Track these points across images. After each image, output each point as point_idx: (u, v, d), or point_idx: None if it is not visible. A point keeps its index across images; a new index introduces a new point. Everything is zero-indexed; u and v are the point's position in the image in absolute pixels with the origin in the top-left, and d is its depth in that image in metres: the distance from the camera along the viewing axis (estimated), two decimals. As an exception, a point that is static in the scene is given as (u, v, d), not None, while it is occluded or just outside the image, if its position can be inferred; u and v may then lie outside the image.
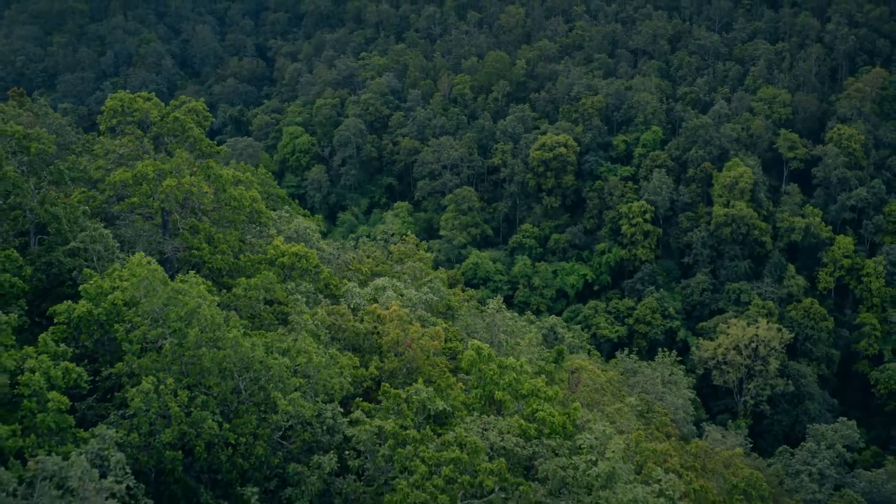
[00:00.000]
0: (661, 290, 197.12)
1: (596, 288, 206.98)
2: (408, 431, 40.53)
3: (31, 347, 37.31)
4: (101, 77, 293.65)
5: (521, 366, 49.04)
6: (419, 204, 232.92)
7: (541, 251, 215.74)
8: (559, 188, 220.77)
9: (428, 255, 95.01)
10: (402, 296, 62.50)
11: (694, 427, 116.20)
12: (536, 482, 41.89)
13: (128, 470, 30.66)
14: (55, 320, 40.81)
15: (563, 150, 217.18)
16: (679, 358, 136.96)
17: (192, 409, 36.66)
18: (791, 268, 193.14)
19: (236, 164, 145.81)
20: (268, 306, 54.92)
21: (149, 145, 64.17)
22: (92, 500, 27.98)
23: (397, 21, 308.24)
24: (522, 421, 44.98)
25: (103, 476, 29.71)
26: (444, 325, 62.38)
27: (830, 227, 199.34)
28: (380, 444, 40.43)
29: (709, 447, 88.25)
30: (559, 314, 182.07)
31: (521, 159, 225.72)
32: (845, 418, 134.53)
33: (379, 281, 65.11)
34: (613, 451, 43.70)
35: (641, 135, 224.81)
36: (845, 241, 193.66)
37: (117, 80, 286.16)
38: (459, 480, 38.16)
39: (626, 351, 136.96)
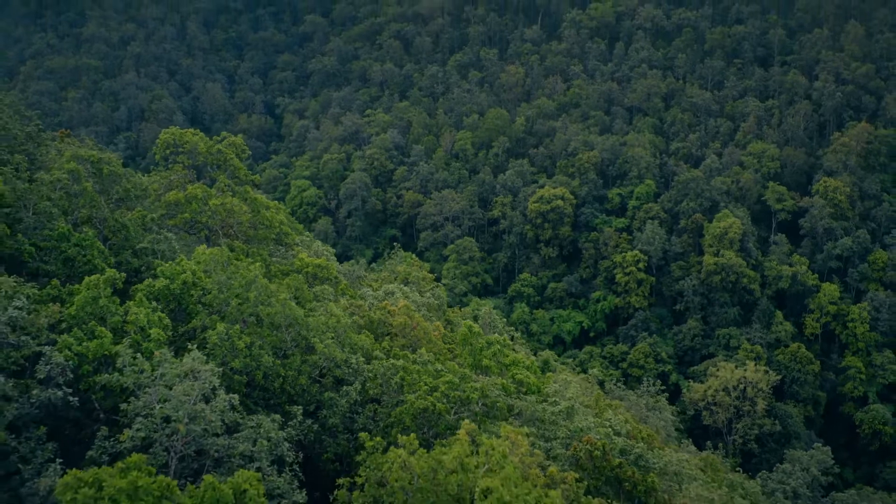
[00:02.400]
0: (654, 335, 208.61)
1: (592, 334, 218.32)
2: (414, 365, 52.72)
3: (131, 301, 49.84)
4: (115, 131, 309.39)
5: (505, 341, 61.36)
6: (422, 254, 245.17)
7: (539, 299, 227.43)
8: (556, 239, 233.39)
9: (430, 275, 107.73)
10: (408, 297, 74.76)
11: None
12: (514, 417, 53.64)
13: (216, 374, 42.77)
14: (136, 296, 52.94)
15: (560, 202, 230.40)
16: (666, 394, 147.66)
17: (252, 349, 48.93)
18: (779, 314, 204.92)
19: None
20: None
21: (193, 174, 77.25)
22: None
23: (401, 80, 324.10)
24: (504, 381, 56.89)
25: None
26: (444, 321, 74.53)
27: (817, 276, 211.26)
28: (393, 375, 52.52)
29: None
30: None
31: (520, 212, 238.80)
32: (821, 444, 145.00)
33: (388, 286, 77.53)
34: (572, 395, 55.50)
35: (635, 188, 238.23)
36: (831, 289, 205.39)
37: (130, 135, 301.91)
38: (452, 395, 50.10)
39: (613, 379, 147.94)
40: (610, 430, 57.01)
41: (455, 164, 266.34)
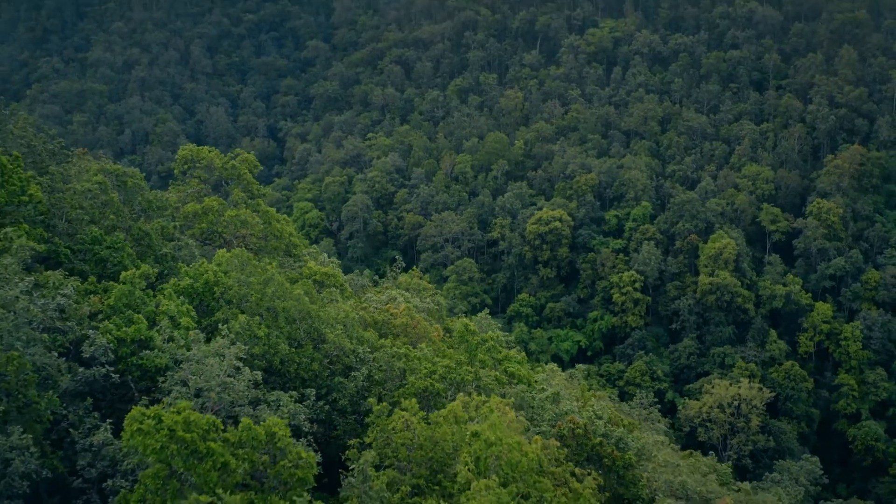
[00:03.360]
0: (651, 354, 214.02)
1: (589, 353, 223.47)
2: (414, 351, 58.31)
3: (161, 294, 55.65)
4: (119, 154, 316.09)
5: (498, 338, 67.05)
6: (422, 275, 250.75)
7: (537, 319, 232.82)
8: (554, 260, 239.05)
9: (430, 285, 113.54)
10: (409, 302, 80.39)
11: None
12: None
13: (241, 355, 48.50)
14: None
15: (558, 224, 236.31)
16: (658, 405, 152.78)
17: (270, 338, 54.59)
18: (773, 333, 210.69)
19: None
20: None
21: (209, 188, 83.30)
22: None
23: (402, 104, 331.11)
24: (496, 373, 62.42)
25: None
26: (443, 327, 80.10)
27: (810, 295, 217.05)
28: (396, 362, 58.15)
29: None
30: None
31: (519, 233, 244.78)
32: (809, 455, 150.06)
33: (391, 292, 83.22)
34: (558, 383, 61.01)
35: (632, 210, 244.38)
36: (824, 308, 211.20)
37: (135, 158, 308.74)
38: (449, 377, 55.64)
39: (608, 397, 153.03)
40: (593, 414, 62.66)
41: (455, 186, 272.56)
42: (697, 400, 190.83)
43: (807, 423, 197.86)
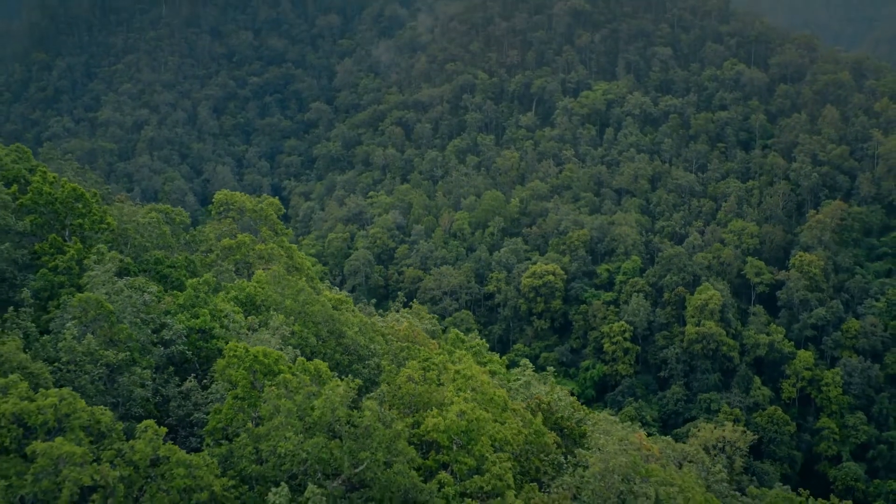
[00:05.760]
0: (640, 400, 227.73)
1: (581, 401, 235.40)
2: (413, 345, 73.83)
3: (217, 298, 71.67)
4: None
5: (483, 345, 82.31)
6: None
7: (532, 368, 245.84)
8: (548, 312, 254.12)
9: (430, 315, 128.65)
10: (410, 324, 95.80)
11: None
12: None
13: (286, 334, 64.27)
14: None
15: (551, 277, 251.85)
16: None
17: (302, 333, 70.12)
18: (757, 380, 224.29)
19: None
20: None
21: (240, 226, 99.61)
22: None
23: (402, 164, 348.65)
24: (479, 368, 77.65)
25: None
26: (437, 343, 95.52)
27: (793, 343, 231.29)
28: (400, 352, 73.50)
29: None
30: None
31: (514, 286, 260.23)
32: (781, 484, 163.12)
33: (395, 315, 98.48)
34: (529, 374, 76.02)
35: (622, 264, 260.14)
36: (806, 356, 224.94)
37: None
38: (436, 364, 71.11)
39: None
40: (557, 398, 77.29)
41: (453, 242, 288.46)
42: (684, 443, 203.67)
43: (790, 465, 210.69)
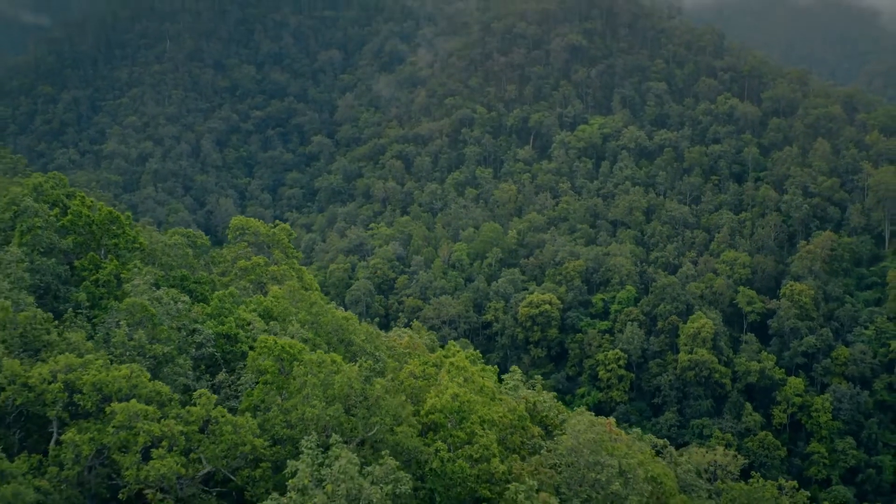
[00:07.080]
0: (634, 426, 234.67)
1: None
2: (412, 351, 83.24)
3: (239, 309, 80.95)
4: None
5: (478, 355, 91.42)
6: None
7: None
8: (545, 340, 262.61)
9: (429, 332, 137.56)
10: (411, 338, 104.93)
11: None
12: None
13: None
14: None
15: (548, 307, 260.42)
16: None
17: (315, 340, 79.34)
18: (748, 406, 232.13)
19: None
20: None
21: (254, 249, 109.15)
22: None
23: (402, 197, 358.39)
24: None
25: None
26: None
27: (784, 370, 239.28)
28: (401, 356, 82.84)
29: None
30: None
31: (512, 316, 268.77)
32: None
33: (397, 329, 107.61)
34: (517, 379, 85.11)
35: (617, 294, 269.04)
36: (796, 382, 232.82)
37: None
38: (431, 362, 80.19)
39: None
40: (542, 399, 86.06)
41: (452, 273, 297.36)
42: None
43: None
